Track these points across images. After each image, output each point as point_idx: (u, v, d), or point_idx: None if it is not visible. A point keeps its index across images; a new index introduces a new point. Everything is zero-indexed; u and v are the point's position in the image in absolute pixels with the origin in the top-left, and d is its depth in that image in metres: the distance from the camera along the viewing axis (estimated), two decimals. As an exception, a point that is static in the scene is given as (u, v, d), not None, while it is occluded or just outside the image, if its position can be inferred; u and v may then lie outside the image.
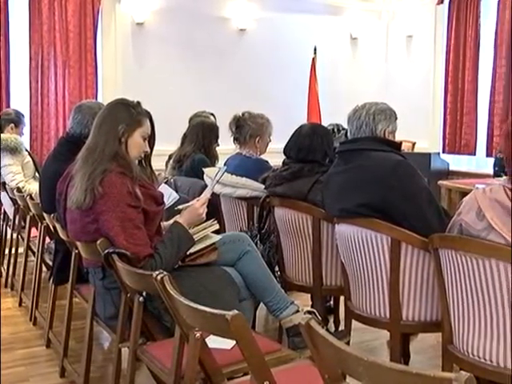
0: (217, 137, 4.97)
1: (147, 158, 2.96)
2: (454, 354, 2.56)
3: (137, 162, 2.86)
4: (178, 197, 3.67)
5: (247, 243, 3.13)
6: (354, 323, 3.23)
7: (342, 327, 3.83)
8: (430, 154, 7.40)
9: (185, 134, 5.00)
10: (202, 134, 4.87)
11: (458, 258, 2.40)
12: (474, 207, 2.39)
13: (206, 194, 3.04)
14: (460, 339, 2.52)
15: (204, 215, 2.95)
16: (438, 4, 7.88)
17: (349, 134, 3.09)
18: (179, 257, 2.79)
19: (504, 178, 2.42)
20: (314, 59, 7.71)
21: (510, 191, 2.30)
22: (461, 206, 2.50)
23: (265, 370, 1.75)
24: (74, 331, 3.53)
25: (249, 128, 4.20)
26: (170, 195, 3.59)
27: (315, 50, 7.71)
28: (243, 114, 4.28)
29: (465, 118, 7.49)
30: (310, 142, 3.53)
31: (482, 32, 7.37)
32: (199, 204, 2.93)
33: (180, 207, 3.02)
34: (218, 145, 5.00)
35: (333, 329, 3.97)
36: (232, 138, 4.35)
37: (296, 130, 3.66)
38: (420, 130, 7.97)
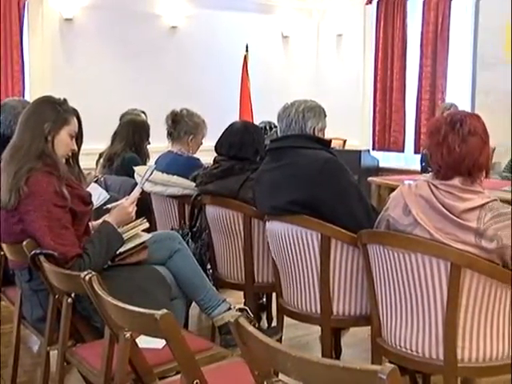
0: (147, 135, 4.92)
1: (75, 156, 2.90)
2: (383, 347, 2.62)
3: (64, 160, 2.80)
4: (108, 196, 3.61)
5: (178, 241, 3.12)
6: (288, 319, 3.26)
7: (275, 323, 3.85)
8: (360, 152, 7.53)
9: (115, 133, 4.93)
10: (132, 132, 4.82)
11: (385, 253, 2.46)
12: (401, 203, 2.45)
13: (135, 193, 3.01)
14: (388, 332, 2.58)
15: (133, 214, 2.92)
16: (367, 4, 8.03)
17: (279, 131, 3.11)
18: (108, 257, 2.75)
19: (429, 173, 2.49)
20: (245, 57, 7.72)
21: (434, 187, 2.37)
22: (388, 202, 2.56)
23: (195, 369, 1.74)
24: (3, 335, 3.43)
25: (185, 124, 4.17)
26: (99, 194, 3.53)
27: (247, 47, 7.73)
28: (181, 111, 4.25)
29: (393, 116, 7.66)
30: (241, 140, 3.54)
31: (409, 32, 7.55)
32: (128, 203, 2.90)
33: (109, 206, 2.98)
34: (149, 143, 4.95)
35: (266, 325, 3.99)
36: (166, 134, 4.31)
37: (227, 128, 3.66)
38: (350, 127, 8.10)
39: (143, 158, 4.84)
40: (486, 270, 2.30)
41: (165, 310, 1.67)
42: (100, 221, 2.92)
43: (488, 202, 2.32)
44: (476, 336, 2.37)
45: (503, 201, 2.47)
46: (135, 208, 2.93)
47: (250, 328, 1.52)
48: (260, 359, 1.56)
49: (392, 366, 1.22)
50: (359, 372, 1.25)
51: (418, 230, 2.36)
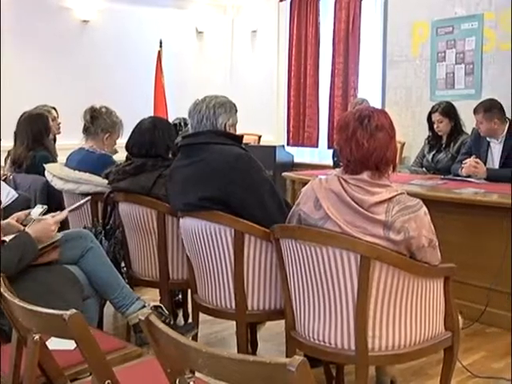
0: (46, 127, 4.79)
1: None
2: (297, 340, 2.66)
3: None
4: (16, 195, 3.51)
5: (90, 240, 3.07)
6: (205, 315, 3.26)
7: (191, 320, 3.84)
8: (275, 147, 7.58)
9: (15, 133, 4.78)
10: (30, 128, 4.68)
11: (297, 247, 2.49)
12: (312, 197, 2.48)
13: (63, 214, 2.97)
14: (302, 325, 2.62)
15: (55, 233, 2.86)
16: (281, 1, 8.10)
17: (190, 127, 3.10)
18: (21, 266, 2.68)
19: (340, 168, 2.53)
20: (159, 52, 7.66)
21: (344, 181, 2.42)
22: (299, 197, 2.59)
23: (106, 369, 1.72)
24: None
25: (103, 121, 4.10)
26: (8, 193, 3.43)
27: (161, 43, 7.66)
28: (100, 108, 4.17)
29: (307, 112, 7.76)
30: (152, 137, 3.51)
31: (322, 30, 7.66)
32: (53, 221, 2.85)
33: (33, 217, 2.89)
34: (51, 136, 4.83)
35: (182, 322, 3.98)
36: (82, 129, 4.20)
37: (137, 125, 3.62)
38: (265, 123, 8.16)
39: (52, 153, 4.72)
40: (394, 261, 2.37)
41: (74, 310, 1.64)
42: (9, 220, 2.84)
43: (395, 196, 2.39)
44: (385, 325, 2.44)
45: (411, 194, 2.55)
46: (58, 227, 2.88)
47: (161, 325, 1.50)
48: (172, 356, 1.55)
49: (301, 358, 1.23)
50: (269, 365, 1.26)
51: (328, 224, 2.41)
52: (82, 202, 3.21)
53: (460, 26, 6.18)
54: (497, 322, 3.89)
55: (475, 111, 4.78)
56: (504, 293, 3.81)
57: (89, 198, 3.53)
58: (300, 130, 7.87)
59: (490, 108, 4.73)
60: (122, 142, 4.16)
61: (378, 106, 6.73)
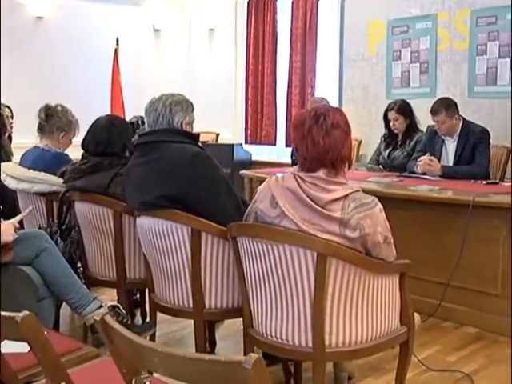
0: (2, 125, 4.70)
1: None
2: (255, 337, 2.66)
3: None
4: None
5: (44, 240, 3.03)
6: (164, 314, 3.24)
7: (149, 319, 3.82)
8: (233, 145, 7.58)
9: None
10: None
11: (254, 245, 2.49)
12: (268, 195, 2.49)
13: (14, 222, 2.91)
14: (259, 322, 2.62)
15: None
16: (238, -1, 8.10)
17: (146, 126, 3.08)
18: None
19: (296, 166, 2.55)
20: (116, 50, 7.56)
21: (300, 179, 2.43)
22: (256, 195, 2.59)
23: (60, 372, 1.70)
24: None
25: (58, 120, 4.04)
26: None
27: (117, 40, 7.57)
28: (56, 106, 4.11)
29: (265, 110, 7.77)
30: (108, 135, 3.48)
31: (279, 28, 7.68)
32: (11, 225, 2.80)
33: None
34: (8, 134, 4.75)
35: (140, 322, 3.95)
36: (37, 128, 4.14)
37: (93, 123, 3.59)
38: (223, 121, 8.14)
39: (7, 151, 4.63)
40: (350, 258, 2.39)
41: (26, 312, 1.61)
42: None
43: (351, 193, 2.41)
44: (342, 322, 2.46)
45: (367, 191, 2.58)
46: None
47: (116, 325, 1.49)
48: (127, 356, 1.54)
49: (256, 355, 1.24)
50: (224, 364, 1.26)
51: (285, 222, 2.42)
52: (24, 213, 3.17)
53: (415, 26, 6.26)
54: (452, 316, 3.97)
55: (436, 112, 4.79)
56: (458, 287, 3.89)
57: (31, 208, 3.52)
58: (258, 128, 7.88)
59: (450, 106, 4.80)
60: (77, 140, 4.11)
61: (335, 104, 6.79)
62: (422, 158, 4.78)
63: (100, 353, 2.47)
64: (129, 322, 3.32)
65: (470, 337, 3.79)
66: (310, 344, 2.47)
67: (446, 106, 4.78)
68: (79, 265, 3.67)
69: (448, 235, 3.98)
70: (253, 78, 7.89)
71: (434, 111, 4.81)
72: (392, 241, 2.51)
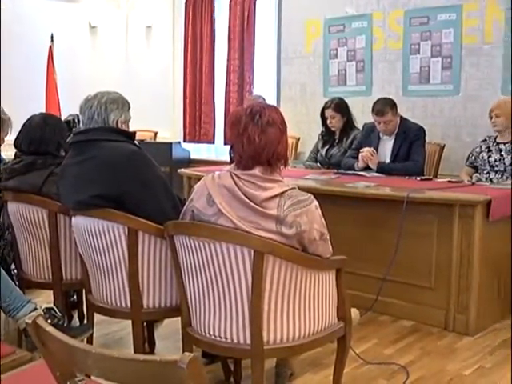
0: None
1: None
2: (193, 336, 2.66)
3: None
4: None
5: (-25, 242, 2.94)
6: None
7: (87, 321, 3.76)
8: (171, 144, 7.53)
9: None
10: None
11: (191, 244, 2.49)
12: (205, 193, 2.49)
13: None
14: (198, 321, 2.62)
15: None
16: (176, -4, 8.05)
17: (81, 124, 3.03)
18: None
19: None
20: (51, 47, 7.42)
21: (237, 177, 2.44)
22: (192, 193, 2.59)
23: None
24: None
25: None
26: None
27: (52, 37, 7.42)
28: None
29: (203, 108, 7.76)
30: (42, 134, 3.41)
31: (217, 26, 7.67)
32: None
33: None
34: None
35: (78, 323, 3.88)
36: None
37: (26, 122, 3.51)
38: (161, 119, 8.09)
39: None
40: (286, 255, 2.41)
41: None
42: None
43: (287, 190, 2.43)
44: (280, 318, 2.47)
45: (305, 188, 2.61)
46: None
47: (48, 328, 1.46)
48: (60, 359, 1.51)
49: (191, 354, 1.23)
50: (159, 364, 1.25)
51: (222, 220, 2.42)
52: None
53: (351, 25, 6.35)
54: (388, 310, 4.05)
55: (382, 113, 4.82)
56: (395, 282, 3.97)
57: None
58: (196, 127, 7.86)
59: (394, 105, 4.88)
60: (10, 139, 4.01)
61: (273, 101, 6.83)
62: (364, 149, 4.86)
63: (34, 357, 2.42)
64: (65, 325, 3.25)
65: (406, 330, 3.87)
66: (249, 341, 2.47)
67: (390, 106, 4.85)
68: (13, 267, 3.59)
69: (384, 231, 4.05)
70: (191, 76, 7.86)
71: (380, 112, 4.83)
72: (328, 237, 2.54)
